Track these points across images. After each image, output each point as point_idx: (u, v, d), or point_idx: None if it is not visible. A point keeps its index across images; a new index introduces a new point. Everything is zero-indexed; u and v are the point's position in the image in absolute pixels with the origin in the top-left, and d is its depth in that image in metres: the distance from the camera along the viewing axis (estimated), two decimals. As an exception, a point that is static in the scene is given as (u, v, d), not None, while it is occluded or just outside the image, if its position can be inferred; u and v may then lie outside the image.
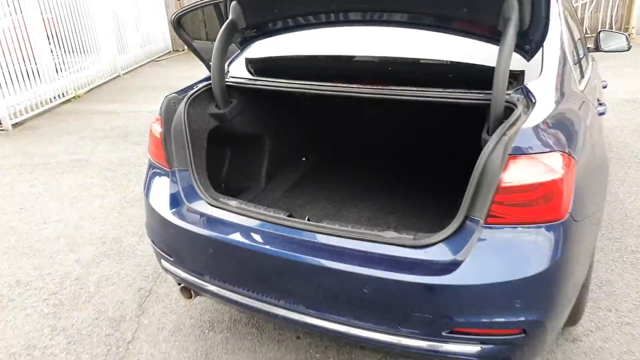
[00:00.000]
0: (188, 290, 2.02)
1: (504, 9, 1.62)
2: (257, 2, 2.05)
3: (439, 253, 1.50)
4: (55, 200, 3.85)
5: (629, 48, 3.51)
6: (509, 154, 1.43)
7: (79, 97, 7.53)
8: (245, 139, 2.46)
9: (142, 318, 2.44)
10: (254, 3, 2.05)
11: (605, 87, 3.29)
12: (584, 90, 2.13)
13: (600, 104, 2.46)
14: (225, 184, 2.33)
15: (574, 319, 2.12)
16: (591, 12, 9.92)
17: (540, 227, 1.44)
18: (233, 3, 2.06)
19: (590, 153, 1.73)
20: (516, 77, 1.84)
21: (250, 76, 2.30)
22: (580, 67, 2.36)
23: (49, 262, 2.98)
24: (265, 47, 2.39)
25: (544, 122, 1.55)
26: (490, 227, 1.46)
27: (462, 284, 1.45)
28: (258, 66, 2.35)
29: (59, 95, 7.18)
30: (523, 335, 1.50)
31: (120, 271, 2.85)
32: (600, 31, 3.59)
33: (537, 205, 1.44)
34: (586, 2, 9.85)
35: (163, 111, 2.00)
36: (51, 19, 7.29)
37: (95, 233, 3.31)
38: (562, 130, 1.58)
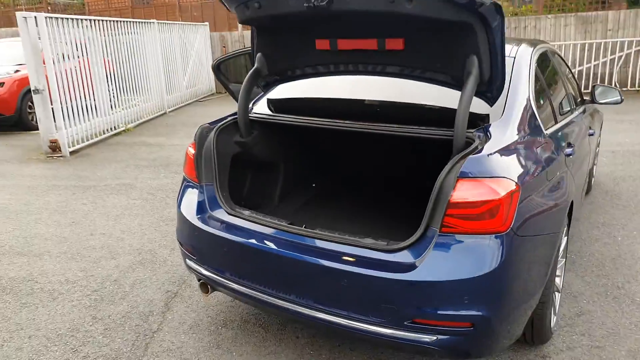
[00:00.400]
0: (206, 286, 2.42)
1: (467, 65, 2.02)
2: (277, 56, 2.53)
3: (405, 256, 1.85)
4: (102, 217, 4.38)
5: (622, 101, 3.83)
6: (459, 177, 1.80)
7: (128, 130, 8.28)
8: (263, 164, 2.90)
9: (167, 314, 2.84)
10: (275, 56, 2.53)
11: (591, 134, 3.60)
12: (551, 133, 2.47)
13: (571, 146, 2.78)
14: (245, 200, 2.75)
15: (540, 336, 2.37)
16: (620, 67, 10.14)
17: (484, 237, 1.78)
18: (258, 54, 2.55)
19: (543, 184, 2.06)
20: (482, 119, 2.21)
21: (270, 113, 2.76)
22: (555, 115, 2.70)
23: (93, 266, 3.45)
24: (283, 90, 2.86)
25: (495, 153, 1.91)
26: (444, 235, 1.81)
27: (420, 280, 1.79)
28: (276, 105, 2.81)
29: (111, 128, 7.94)
30: (472, 328, 1.81)
31: (152, 276, 3.28)
32: (594, 85, 3.93)
33: (482, 219, 1.78)
34: (615, 58, 10.10)
35: (197, 137, 2.47)
36: (110, 61, 8.15)
37: (133, 245, 3.78)
38: (510, 161, 1.93)
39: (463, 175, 1.80)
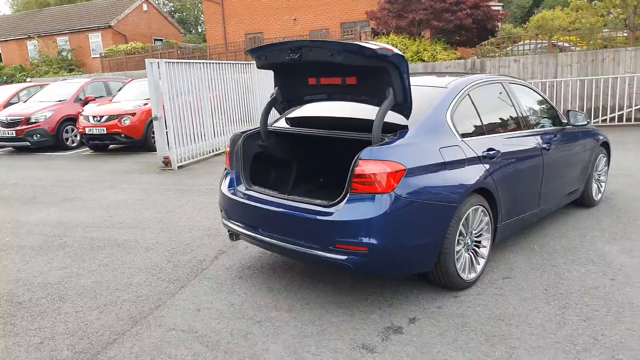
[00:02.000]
0: (232, 234, 3.76)
1: (387, 93, 3.17)
2: (286, 88, 3.85)
3: (332, 207, 3.03)
4: (191, 209, 5.98)
5: (587, 123, 4.65)
6: (360, 159, 2.94)
7: (226, 152, 10.14)
8: (282, 162, 4.20)
9: (214, 261, 4.22)
10: (285, 88, 3.86)
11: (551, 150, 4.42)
12: (468, 140, 3.46)
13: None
14: (268, 185, 4.06)
15: (448, 281, 3.33)
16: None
17: (374, 195, 2.90)
18: (276, 88, 3.90)
19: (439, 168, 3.11)
20: (403, 127, 3.31)
21: (286, 126, 4.06)
22: (482, 129, 3.69)
23: (176, 236, 4.98)
24: (297, 111, 4.17)
25: (392, 146, 3.03)
26: (352, 194, 2.96)
27: (336, 220, 2.96)
28: (291, 121, 4.11)
29: (213, 150, 9.84)
30: (367, 251, 2.92)
31: (212, 242, 4.71)
32: (569, 110, 4.75)
33: (373, 185, 2.91)
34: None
35: (231, 140, 3.86)
36: (216, 96, 10.12)
37: (207, 225, 5.27)
38: (402, 152, 3.03)
39: (362, 158, 2.95)
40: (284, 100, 3.95)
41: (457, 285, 3.41)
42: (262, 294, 3.55)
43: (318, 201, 3.19)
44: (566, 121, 4.76)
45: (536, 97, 4.69)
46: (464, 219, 3.33)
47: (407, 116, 3.29)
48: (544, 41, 14.99)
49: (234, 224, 3.67)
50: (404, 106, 3.23)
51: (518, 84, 4.49)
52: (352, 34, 19.24)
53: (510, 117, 4.12)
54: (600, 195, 5.49)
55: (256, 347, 2.86)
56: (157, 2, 45.59)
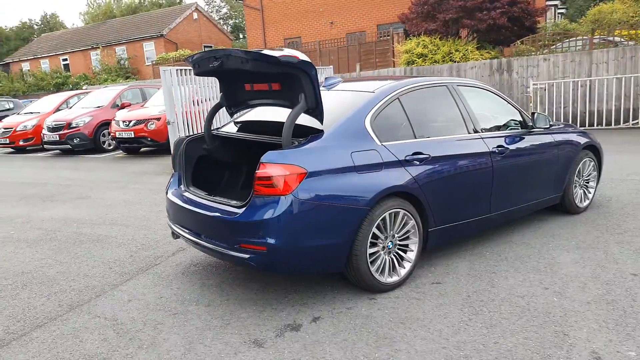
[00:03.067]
0: (173, 233, 3.99)
1: (299, 98, 3.28)
2: (228, 94, 4.03)
3: (240, 208, 3.18)
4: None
5: (550, 126, 4.51)
6: (261, 162, 3.07)
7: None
8: (229, 164, 4.38)
9: (170, 257, 4.47)
10: (227, 94, 4.04)
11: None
12: (390, 145, 3.49)
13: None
14: (218, 187, 4.26)
15: (362, 281, 3.38)
16: None
17: (274, 197, 3.02)
18: (220, 94, 4.09)
19: (347, 171, 3.18)
20: (318, 131, 3.39)
21: (231, 131, 4.23)
22: (414, 133, 3.70)
23: (153, 233, 5.29)
24: (245, 116, 4.34)
25: (296, 151, 3.13)
26: (255, 196, 3.09)
27: (239, 220, 3.10)
28: (238, 125, 4.29)
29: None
30: (266, 250, 3.04)
31: (178, 240, 4.97)
32: (533, 113, 4.62)
33: (273, 187, 3.02)
34: None
35: (174, 144, 4.08)
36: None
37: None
38: (307, 155, 3.12)
39: (263, 161, 3.07)
40: (228, 105, 4.13)
41: (374, 287, 3.44)
42: (193, 289, 3.75)
43: (234, 202, 3.34)
44: (531, 124, 4.63)
45: (496, 100, 4.60)
46: (378, 222, 3.35)
47: (320, 121, 3.37)
48: (599, 37, 14.20)
49: (173, 224, 3.90)
50: (316, 111, 3.33)
51: (472, 87, 4.42)
52: (387, 36, 19.16)
53: (452, 120, 4.08)
54: (587, 202, 5.26)
55: (159, 336, 3.06)
56: (210, 9, 47.28)
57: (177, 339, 3.03)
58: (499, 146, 4.19)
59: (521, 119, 4.63)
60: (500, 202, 4.24)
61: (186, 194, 3.81)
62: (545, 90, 11.36)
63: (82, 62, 33.86)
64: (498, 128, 4.45)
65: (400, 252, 3.59)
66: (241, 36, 49.29)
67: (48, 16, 56.32)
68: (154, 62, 27.78)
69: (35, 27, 54.58)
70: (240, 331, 3.07)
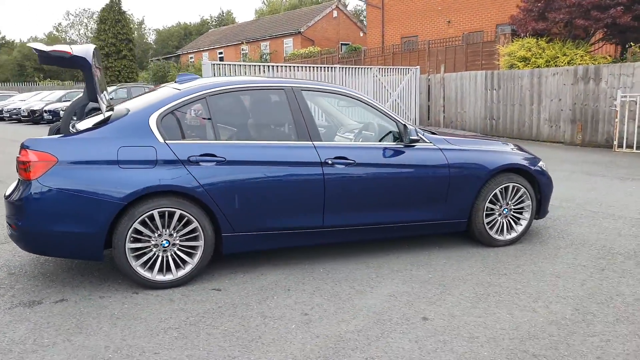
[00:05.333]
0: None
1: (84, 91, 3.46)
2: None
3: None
4: None
5: (419, 140, 3.99)
6: (21, 148, 3.32)
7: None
8: None
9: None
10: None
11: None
12: (176, 144, 3.46)
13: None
14: None
15: (120, 269, 3.44)
16: None
17: (27, 181, 3.26)
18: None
19: (92, 165, 3.30)
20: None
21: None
22: (207, 135, 3.59)
23: None
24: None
25: (56, 139, 3.32)
26: (19, 179, 3.38)
27: (5, 200, 3.42)
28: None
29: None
30: (16, 229, 3.31)
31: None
32: (404, 125, 4.08)
33: (27, 172, 3.26)
34: None
35: (49, 131, 4.52)
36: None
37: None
38: (66, 144, 3.30)
39: (23, 147, 3.32)
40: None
41: (142, 282, 3.47)
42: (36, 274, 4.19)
43: None
44: (416, 138, 4.07)
45: (369, 110, 4.17)
46: (141, 219, 3.36)
47: (102, 111, 3.51)
48: None
49: None
50: (97, 103, 3.47)
51: (330, 93, 4.08)
52: (501, 35, 17.53)
53: (279, 126, 3.83)
54: (513, 234, 4.44)
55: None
56: (354, 8, 48.11)
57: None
58: (338, 157, 3.81)
59: (399, 132, 4.11)
60: (340, 217, 3.86)
61: None
62: (636, 103, 9.39)
63: (233, 55, 37.44)
64: (367, 139, 4.04)
65: (181, 253, 3.55)
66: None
67: (224, 13, 63.27)
68: (285, 58, 29.51)
69: (213, 22, 61.72)
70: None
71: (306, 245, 4.04)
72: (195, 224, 3.51)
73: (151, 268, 3.48)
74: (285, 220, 3.75)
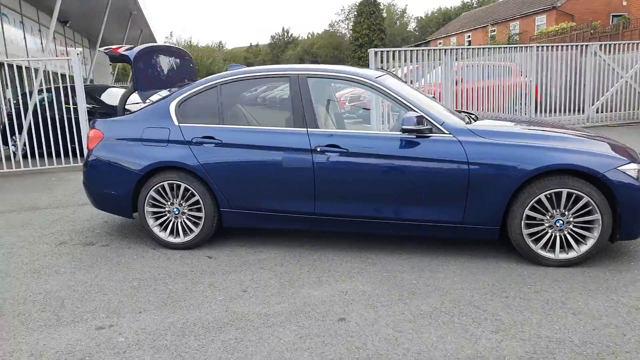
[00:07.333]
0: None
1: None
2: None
3: None
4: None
5: (414, 129, 3.58)
6: (90, 127, 4.32)
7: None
8: None
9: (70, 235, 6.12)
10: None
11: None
12: (186, 127, 3.97)
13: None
14: None
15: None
16: None
17: (89, 151, 4.28)
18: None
19: (134, 140, 4.07)
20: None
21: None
22: (214, 120, 3.99)
23: (94, 216, 7.00)
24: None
25: (109, 120, 4.23)
26: (88, 150, 4.43)
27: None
28: None
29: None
30: (84, 187, 4.38)
31: (95, 225, 6.49)
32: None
33: (88, 144, 4.27)
34: None
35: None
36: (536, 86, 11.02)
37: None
38: (113, 124, 4.18)
39: (90, 126, 4.32)
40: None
41: (158, 241, 4.16)
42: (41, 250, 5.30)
43: None
44: (429, 128, 3.61)
45: (383, 98, 3.86)
46: (155, 188, 4.03)
47: (143, 100, 4.26)
48: None
49: None
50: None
51: (346, 80, 3.98)
52: None
53: (275, 112, 3.94)
54: (572, 254, 3.52)
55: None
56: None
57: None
58: (330, 145, 3.70)
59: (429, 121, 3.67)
60: (333, 206, 3.76)
61: None
62: None
63: (480, 39, 35.67)
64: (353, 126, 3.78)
65: (188, 221, 4.08)
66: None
67: (486, -5, 60.38)
68: (531, 38, 26.72)
69: (474, 4, 59.64)
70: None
71: (300, 229, 4.07)
72: (197, 197, 3.99)
73: (165, 230, 4.13)
74: (278, 203, 3.88)
